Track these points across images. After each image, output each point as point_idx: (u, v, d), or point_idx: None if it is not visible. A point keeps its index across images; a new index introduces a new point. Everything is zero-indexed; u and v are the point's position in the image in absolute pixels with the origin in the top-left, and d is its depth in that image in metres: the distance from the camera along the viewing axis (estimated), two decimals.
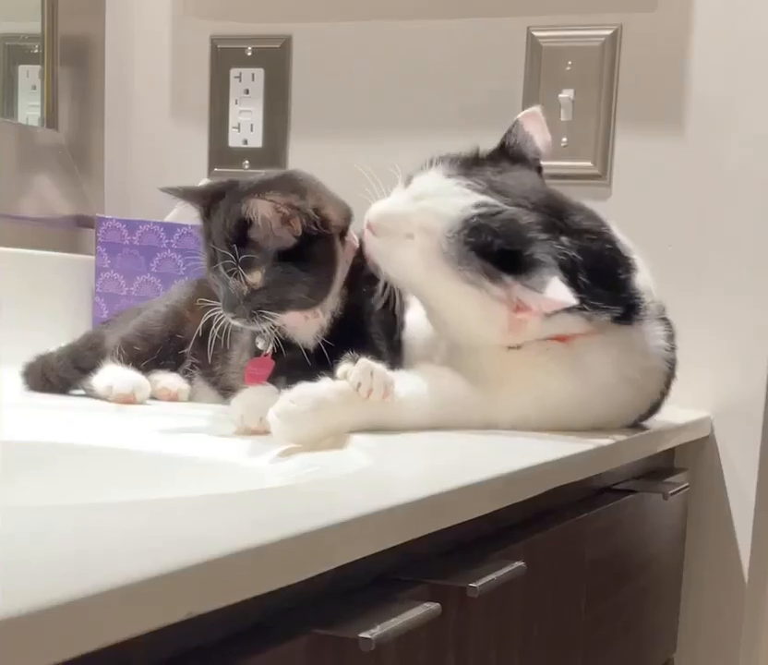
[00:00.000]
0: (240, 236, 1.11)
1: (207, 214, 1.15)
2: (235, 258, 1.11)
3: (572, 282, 1.11)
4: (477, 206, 1.13)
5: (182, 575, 0.52)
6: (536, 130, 1.25)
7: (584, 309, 1.13)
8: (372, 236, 1.18)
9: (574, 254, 1.14)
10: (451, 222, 1.12)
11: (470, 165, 1.18)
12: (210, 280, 1.16)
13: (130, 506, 0.67)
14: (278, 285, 1.12)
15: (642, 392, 1.24)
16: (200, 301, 1.20)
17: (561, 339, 1.17)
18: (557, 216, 1.16)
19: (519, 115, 1.24)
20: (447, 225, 1.12)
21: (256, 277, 1.11)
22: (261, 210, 1.10)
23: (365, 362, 1.05)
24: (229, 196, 1.14)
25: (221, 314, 1.15)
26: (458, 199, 1.14)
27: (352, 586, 0.74)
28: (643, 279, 1.22)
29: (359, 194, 1.17)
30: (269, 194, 1.10)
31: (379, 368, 1.06)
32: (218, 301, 1.15)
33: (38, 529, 0.59)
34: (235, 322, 1.14)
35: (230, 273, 1.12)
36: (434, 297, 1.17)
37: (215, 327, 1.16)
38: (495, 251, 1.11)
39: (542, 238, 1.12)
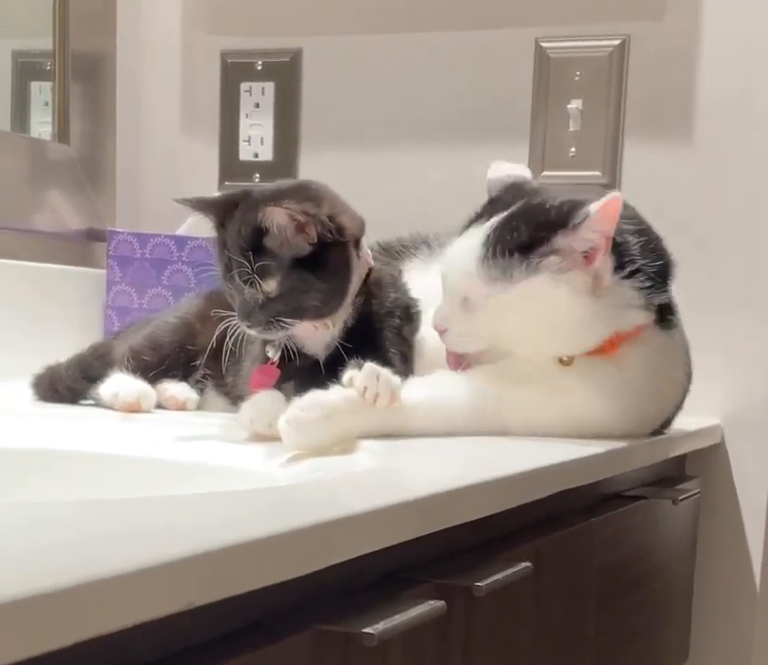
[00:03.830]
0: (255, 245, 1.11)
1: (221, 224, 1.16)
2: (251, 266, 1.11)
3: (622, 246, 1.12)
4: (489, 226, 1.14)
5: (182, 565, 0.52)
6: (507, 169, 1.24)
7: (639, 273, 1.13)
8: (444, 336, 1.18)
9: None
10: (474, 254, 1.13)
11: (475, 217, 1.19)
12: (226, 289, 1.16)
13: (130, 502, 0.67)
14: (293, 293, 1.12)
15: (662, 405, 1.25)
16: (215, 312, 1.20)
17: (609, 348, 1.15)
18: (580, 194, 1.16)
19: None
20: (474, 260, 1.13)
21: (271, 285, 1.11)
22: (277, 217, 1.10)
23: (370, 366, 1.05)
24: (243, 205, 1.14)
25: (236, 324, 1.15)
26: (472, 238, 1.15)
27: (357, 585, 0.74)
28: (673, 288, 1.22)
29: (372, 206, 1.17)
30: (284, 202, 1.11)
31: (385, 372, 1.05)
32: (231, 312, 1.15)
33: (37, 519, 0.59)
34: (251, 331, 1.14)
35: (245, 282, 1.12)
36: (519, 325, 1.15)
37: (230, 338, 1.16)
38: (526, 235, 1.11)
39: (569, 198, 1.12)
